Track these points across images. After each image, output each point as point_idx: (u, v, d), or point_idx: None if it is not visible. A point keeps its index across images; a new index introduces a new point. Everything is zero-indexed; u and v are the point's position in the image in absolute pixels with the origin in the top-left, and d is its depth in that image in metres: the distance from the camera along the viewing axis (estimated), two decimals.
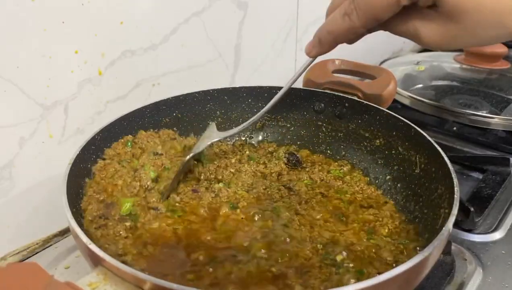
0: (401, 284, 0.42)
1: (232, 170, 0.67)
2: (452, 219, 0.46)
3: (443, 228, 0.45)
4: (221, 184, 0.64)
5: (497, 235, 0.67)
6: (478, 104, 0.98)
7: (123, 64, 0.70)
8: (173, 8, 0.74)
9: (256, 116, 0.64)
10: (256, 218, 0.59)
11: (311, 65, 0.59)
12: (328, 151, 0.75)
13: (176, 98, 0.72)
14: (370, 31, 0.48)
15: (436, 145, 0.59)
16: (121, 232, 0.54)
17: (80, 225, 0.48)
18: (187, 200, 0.61)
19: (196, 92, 0.73)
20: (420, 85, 1.07)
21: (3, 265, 0.61)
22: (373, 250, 0.54)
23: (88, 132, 0.61)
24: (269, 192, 0.64)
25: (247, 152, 0.73)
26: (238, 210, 0.60)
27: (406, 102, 1.00)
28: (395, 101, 0.82)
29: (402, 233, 0.57)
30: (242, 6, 0.86)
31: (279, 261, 0.51)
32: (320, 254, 0.53)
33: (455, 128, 0.93)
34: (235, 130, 0.66)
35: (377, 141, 0.70)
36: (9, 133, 0.59)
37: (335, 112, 0.74)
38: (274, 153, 0.73)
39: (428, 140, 0.60)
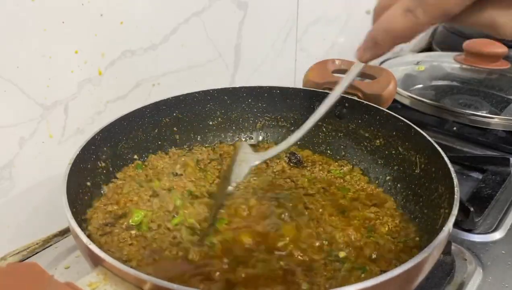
0: (401, 284, 0.42)
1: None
2: (452, 219, 0.46)
3: (443, 228, 0.45)
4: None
5: (497, 235, 0.67)
6: (478, 104, 0.98)
7: (123, 64, 0.70)
8: (173, 8, 0.74)
9: (301, 131, 0.57)
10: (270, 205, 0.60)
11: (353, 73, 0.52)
12: (328, 151, 0.75)
13: (176, 98, 0.72)
14: (433, 25, 0.44)
15: (436, 145, 0.59)
16: (126, 239, 0.53)
17: (83, 229, 0.48)
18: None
19: (196, 92, 0.73)
20: (420, 85, 1.07)
21: (3, 265, 0.61)
22: (374, 247, 0.54)
23: (88, 132, 0.61)
24: (277, 182, 0.66)
25: None
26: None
27: (406, 102, 1.00)
28: (395, 101, 0.82)
29: (402, 231, 0.57)
30: (242, 6, 0.86)
31: (292, 257, 0.52)
32: (326, 251, 0.53)
33: (455, 128, 0.93)
34: (273, 151, 0.60)
35: (377, 141, 0.70)
36: (9, 133, 0.59)
37: (335, 112, 0.74)
38: None
39: (428, 140, 0.60)
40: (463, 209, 0.66)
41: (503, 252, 0.64)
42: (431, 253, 0.42)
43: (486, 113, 0.92)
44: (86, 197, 0.58)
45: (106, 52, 0.67)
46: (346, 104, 0.73)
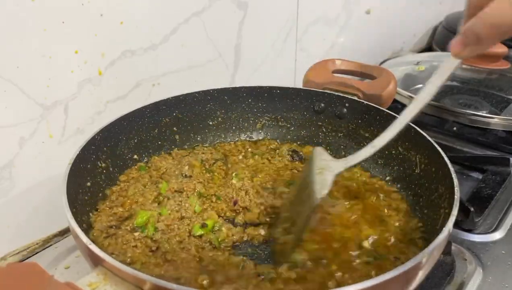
0: (401, 284, 0.42)
1: (243, 165, 0.69)
2: (452, 219, 0.46)
3: (443, 228, 0.45)
4: (235, 180, 0.65)
5: (497, 235, 0.67)
6: (478, 104, 0.98)
7: (123, 64, 0.70)
8: (173, 8, 0.74)
9: (387, 135, 0.55)
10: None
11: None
12: (328, 151, 0.74)
13: (176, 98, 0.72)
14: None
15: (436, 145, 0.59)
16: (130, 241, 0.53)
17: (85, 232, 0.47)
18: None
19: (196, 92, 0.73)
20: (420, 85, 1.07)
21: (3, 265, 0.61)
22: (386, 238, 0.55)
23: (88, 132, 0.61)
24: (281, 173, 0.67)
25: (250, 149, 0.75)
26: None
27: (406, 102, 1.00)
28: (395, 101, 0.82)
29: (407, 225, 0.58)
30: (242, 6, 0.86)
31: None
32: (352, 240, 0.54)
33: (455, 128, 0.93)
34: (357, 158, 0.55)
35: None
36: (9, 133, 0.59)
37: (335, 112, 0.74)
38: (277, 151, 0.74)
39: (428, 140, 0.60)
40: (463, 209, 0.66)
41: (503, 252, 0.64)
42: (431, 253, 0.42)
43: (486, 113, 0.92)
44: (86, 197, 0.58)
45: (106, 52, 0.67)
46: (346, 104, 0.73)
